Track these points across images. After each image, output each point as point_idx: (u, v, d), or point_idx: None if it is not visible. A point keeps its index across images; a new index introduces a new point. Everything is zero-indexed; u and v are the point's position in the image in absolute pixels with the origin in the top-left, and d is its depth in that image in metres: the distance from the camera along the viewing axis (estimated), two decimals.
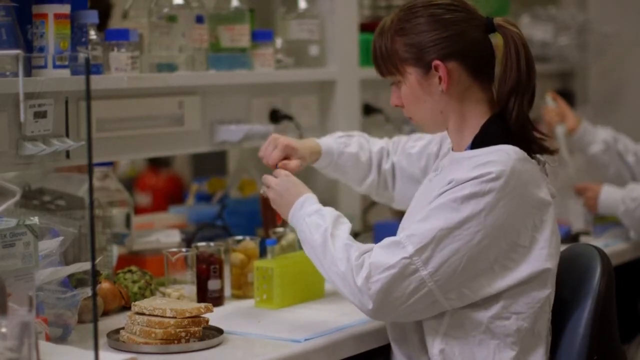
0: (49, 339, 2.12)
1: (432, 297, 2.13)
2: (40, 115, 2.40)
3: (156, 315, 2.20)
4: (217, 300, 2.58)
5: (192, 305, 2.25)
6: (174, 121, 2.85)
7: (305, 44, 3.25)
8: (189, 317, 2.20)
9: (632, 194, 3.29)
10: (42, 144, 2.41)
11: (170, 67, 2.79)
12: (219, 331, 2.27)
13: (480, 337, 2.18)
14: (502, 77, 2.24)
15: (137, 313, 2.23)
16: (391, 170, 2.63)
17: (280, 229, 2.77)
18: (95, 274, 2.06)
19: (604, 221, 3.47)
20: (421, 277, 2.12)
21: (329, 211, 2.27)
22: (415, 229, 2.14)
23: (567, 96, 4.13)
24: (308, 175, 2.64)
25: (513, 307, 2.18)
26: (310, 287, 2.60)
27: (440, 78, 2.23)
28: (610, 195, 3.34)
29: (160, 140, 2.83)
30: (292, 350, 2.20)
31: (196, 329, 2.21)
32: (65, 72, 2.42)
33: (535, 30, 4.35)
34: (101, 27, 2.68)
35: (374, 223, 3.33)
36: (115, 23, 3.47)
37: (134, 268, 2.62)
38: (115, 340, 2.23)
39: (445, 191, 2.15)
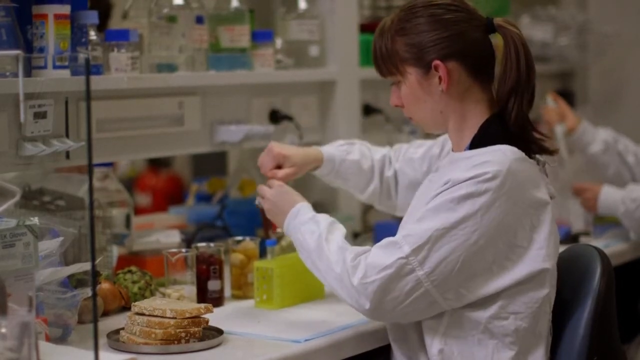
0: (49, 339, 2.12)
1: (429, 297, 2.14)
2: (40, 115, 2.40)
3: (156, 316, 2.20)
4: (217, 300, 2.58)
5: (192, 306, 2.25)
6: (174, 121, 2.85)
7: (305, 44, 3.25)
8: (189, 318, 2.20)
9: (632, 195, 3.29)
10: (42, 144, 2.41)
11: (170, 68, 2.79)
12: (219, 331, 2.27)
13: (479, 336, 2.18)
14: (501, 77, 2.24)
15: (137, 313, 2.23)
16: (394, 178, 2.63)
17: (280, 230, 2.77)
18: (95, 274, 2.06)
19: (603, 222, 3.47)
20: (417, 277, 2.12)
21: (323, 217, 2.29)
22: (411, 229, 2.15)
23: (567, 96, 4.13)
24: (308, 177, 2.64)
25: (511, 307, 2.18)
26: (310, 287, 2.60)
27: (440, 78, 2.23)
28: (610, 196, 3.34)
29: (160, 141, 2.83)
30: (292, 350, 2.20)
31: (196, 329, 2.21)
32: (65, 73, 2.42)
33: (535, 31, 4.35)
34: (101, 27, 2.68)
35: (374, 223, 3.33)
36: (115, 23, 3.47)
37: (133, 268, 2.62)
38: (115, 340, 2.23)
39: (442, 191, 2.16)
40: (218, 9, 2.96)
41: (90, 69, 1.96)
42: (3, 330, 1.69)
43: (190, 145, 2.96)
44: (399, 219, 2.37)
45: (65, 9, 2.40)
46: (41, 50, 2.39)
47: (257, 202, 2.44)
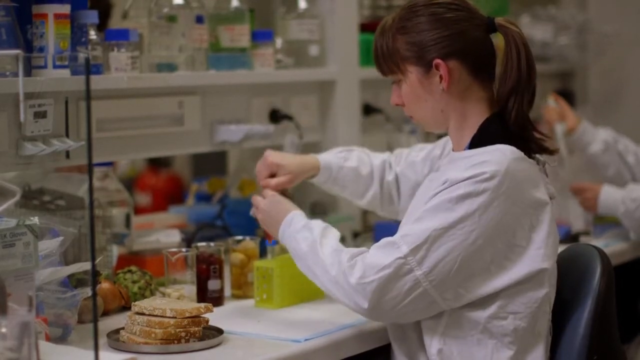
0: (48, 339, 2.12)
1: (428, 297, 2.14)
2: (40, 115, 2.40)
3: (156, 315, 2.20)
4: (217, 300, 2.58)
5: (192, 305, 2.25)
6: (174, 121, 2.85)
7: (305, 44, 3.25)
8: (189, 317, 2.20)
9: (632, 195, 3.29)
10: (42, 144, 2.41)
11: (170, 67, 2.79)
12: (219, 331, 2.27)
13: (478, 336, 2.18)
14: (502, 76, 2.24)
15: (137, 313, 2.23)
16: (395, 182, 2.63)
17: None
18: (95, 274, 2.06)
19: (603, 221, 3.47)
20: (416, 277, 2.12)
21: (317, 223, 2.30)
22: (410, 229, 2.15)
23: (567, 96, 4.13)
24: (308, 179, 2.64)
25: (510, 307, 2.18)
26: (310, 287, 2.59)
27: (441, 77, 2.23)
28: (610, 196, 3.34)
29: (160, 140, 2.83)
30: (292, 350, 2.20)
31: (196, 329, 2.21)
32: (65, 72, 2.42)
33: (535, 30, 4.35)
34: (101, 27, 2.67)
35: (374, 223, 3.33)
36: (115, 23, 3.46)
37: (133, 268, 2.61)
38: (115, 340, 2.23)
39: (440, 191, 2.16)
40: (218, 9, 2.96)
41: (90, 69, 1.96)
42: (3, 330, 1.68)
43: (190, 145, 2.95)
44: (400, 220, 2.37)
45: (65, 9, 2.40)
46: (41, 49, 2.39)
47: (251, 212, 2.46)
